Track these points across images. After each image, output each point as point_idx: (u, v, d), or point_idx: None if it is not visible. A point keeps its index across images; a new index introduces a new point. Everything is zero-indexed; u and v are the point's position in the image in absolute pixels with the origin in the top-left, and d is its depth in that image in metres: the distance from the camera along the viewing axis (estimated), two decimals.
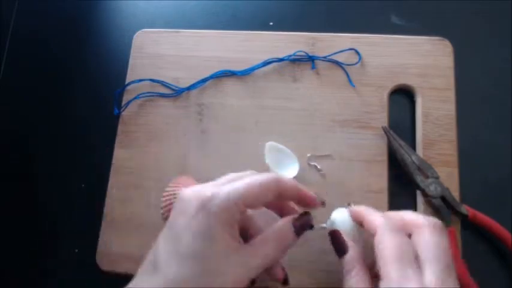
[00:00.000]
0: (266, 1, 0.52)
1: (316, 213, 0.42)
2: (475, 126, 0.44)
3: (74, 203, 0.48)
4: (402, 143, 0.42)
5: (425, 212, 0.41)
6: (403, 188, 0.42)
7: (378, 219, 0.29)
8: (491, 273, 0.40)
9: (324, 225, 0.41)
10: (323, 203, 0.34)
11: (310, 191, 0.32)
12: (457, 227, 0.40)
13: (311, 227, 0.32)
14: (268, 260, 0.29)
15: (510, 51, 0.47)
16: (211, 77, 0.47)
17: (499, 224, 0.39)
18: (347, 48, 0.46)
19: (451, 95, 0.44)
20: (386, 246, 0.27)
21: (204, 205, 0.27)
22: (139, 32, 0.51)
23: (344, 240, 0.31)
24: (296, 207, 0.34)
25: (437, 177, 0.40)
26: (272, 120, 0.45)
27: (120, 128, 0.47)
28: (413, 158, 0.41)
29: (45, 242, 0.47)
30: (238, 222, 0.28)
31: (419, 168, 0.41)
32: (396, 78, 0.45)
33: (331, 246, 0.32)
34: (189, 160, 0.45)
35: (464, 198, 0.41)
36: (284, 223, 0.31)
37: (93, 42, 0.54)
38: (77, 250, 0.45)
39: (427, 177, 0.41)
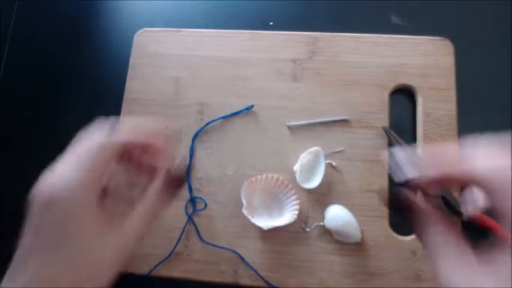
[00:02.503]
0: (266, 1, 0.52)
1: (314, 213, 0.42)
2: (475, 126, 0.44)
3: None
4: (403, 142, 0.42)
5: None
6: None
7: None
8: None
9: (321, 223, 0.41)
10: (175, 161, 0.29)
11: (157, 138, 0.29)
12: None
13: (178, 182, 0.29)
14: (138, 231, 0.28)
15: (510, 51, 0.47)
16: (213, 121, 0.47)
17: (499, 224, 0.39)
18: (347, 48, 0.46)
19: (451, 94, 0.44)
20: None
21: (50, 196, 0.27)
22: (140, 31, 0.51)
23: (405, 196, 0.26)
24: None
25: None
26: (273, 120, 0.45)
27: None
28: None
29: None
30: (96, 191, 0.27)
31: None
32: (397, 78, 0.45)
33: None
34: (192, 160, 0.45)
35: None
36: (150, 189, 0.29)
37: (94, 42, 0.54)
38: None
39: None
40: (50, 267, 0.26)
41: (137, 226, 0.28)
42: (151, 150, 0.30)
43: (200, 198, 0.43)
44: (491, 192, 0.22)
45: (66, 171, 0.27)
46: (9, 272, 0.27)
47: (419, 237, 0.25)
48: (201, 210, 0.43)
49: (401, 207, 0.26)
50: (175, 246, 0.42)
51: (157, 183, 0.29)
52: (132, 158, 0.30)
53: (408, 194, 0.26)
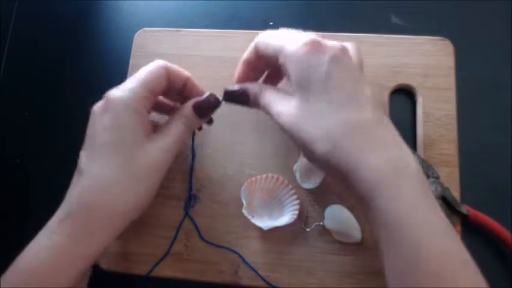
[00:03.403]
0: (266, 1, 0.53)
1: (314, 213, 0.42)
2: (475, 126, 0.44)
3: None
4: None
5: None
6: None
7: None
8: (491, 273, 0.40)
9: (321, 223, 0.41)
10: (214, 98, 0.36)
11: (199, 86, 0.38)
12: (457, 227, 0.40)
13: (215, 103, 0.36)
14: (179, 137, 0.34)
15: (510, 51, 0.47)
16: None
17: (499, 224, 0.40)
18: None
19: (451, 95, 0.44)
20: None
21: (109, 101, 0.32)
22: (140, 31, 0.51)
23: (238, 88, 0.35)
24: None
25: (437, 177, 0.40)
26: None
27: None
28: (414, 157, 0.41)
29: None
30: (146, 109, 0.33)
31: None
32: (397, 78, 0.45)
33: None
34: (194, 160, 0.45)
35: (464, 198, 0.41)
36: (184, 105, 0.35)
37: (94, 42, 0.54)
38: None
39: (427, 177, 0.41)
40: (107, 169, 0.30)
41: (175, 135, 0.33)
42: (188, 86, 0.37)
43: (196, 196, 0.43)
44: (284, 57, 0.30)
45: (125, 83, 0.34)
46: (72, 181, 0.32)
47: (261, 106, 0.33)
48: (194, 207, 0.43)
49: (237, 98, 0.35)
50: (171, 245, 0.42)
51: (189, 104, 0.35)
52: (173, 88, 0.37)
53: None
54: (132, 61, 0.50)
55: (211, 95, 0.36)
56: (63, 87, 0.53)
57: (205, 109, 0.35)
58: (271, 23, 0.51)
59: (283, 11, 0.52)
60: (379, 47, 0.46)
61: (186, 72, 0.37)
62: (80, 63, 0.53)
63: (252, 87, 0.34)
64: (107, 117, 0.31)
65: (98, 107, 0.32)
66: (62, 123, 0.51)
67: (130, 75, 0.49)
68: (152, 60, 0.49)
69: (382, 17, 0.50)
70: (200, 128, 0.42)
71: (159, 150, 0.32)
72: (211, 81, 0.47)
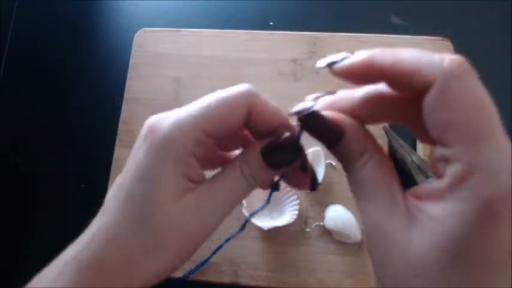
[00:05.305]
0: (266, 1, 0.52)
1: (314, 213, 0.42)
2: None
3: (74, 203, 0.48)
4: (402, 142, 0.42)
5: None
6: (403, 187, 0.42)
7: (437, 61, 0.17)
8: None
9: (321, 223, 0.41)
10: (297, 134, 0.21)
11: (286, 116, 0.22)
12: None
13: (295, 145, 0.21)
14: (231, 196, 0.21)
15: (510, 51, 0.47)
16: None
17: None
18: (347, 48, 0.46)
19: None
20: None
21: (149, 133, 0.21)
22: (140, 31, 0.51)
23: (331, 122, 0.20)
24: None
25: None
26: None
27: (120, 127, 0.47)
28: (414, 157, 0.41)
29: (45, 241, 0.47)
30: (196, 156, 0.21)
31: (419, 168, 0.41)
32: None
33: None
34: None
35: None
36: (248, 147, 0.22)
37: (94, 42, 0.54)
38: None
39: (427, 177, 0.41)
40: (122, 224, 0.21)
41: (227, 193, 0.21)
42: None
43: None
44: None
45: (182, 111, 0.21)
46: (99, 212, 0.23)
47: (345, 168, 0.20)
48: None
49: (319, 130, 0.20)
50: None
51: (255, 146, 0.21)
52: (255, 130, 0.22)
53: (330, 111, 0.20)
54: (132, 61, 0.50)
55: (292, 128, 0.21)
56: (63, 87, 0.53)
57: (280, 152, 0.21)
58: (271, 23, 0.51)
59: (283, 11, 0.52)
60: (379, 47, 0.46)
61: (282, 115, 0.21)
62: (80, 63, 0.53)
63: (357, 126, 0.20)
64: (139, 156, 0.21)
65: (141, 135, 0.22)
66: (62, 123, 0.51)
67: (130, 75, 0.50)
68: (152, 61, 0.49)
69: (382, 17, 0.50)
70: (276, 188, 0.24)
71: (193, 214, 0.21)
72: (211, 81, 0.48)
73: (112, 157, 0.46)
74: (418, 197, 0.18)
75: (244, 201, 0.41)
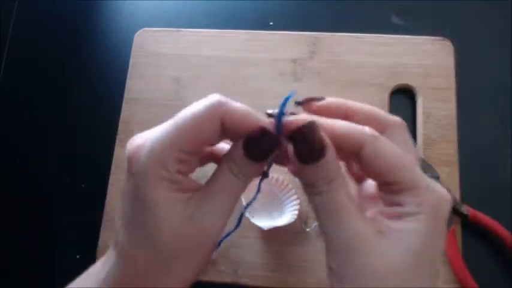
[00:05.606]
0: (266, 1, 0.52)
1: (312, 213, 0.42)
2: (475, 126, 0.44)
3: (74, 203, 0.48)
4: None
5: None
6: None
7: (361, 130, 0.21)
8: (491, 273, 0.40)
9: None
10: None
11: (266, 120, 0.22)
12: (457, 227, 0.40)
13: (272, 136, 0.22)
14: (225, 194, 0.22)
15: (510, 51, 0.47)
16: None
17: (499, 224, 0.40)
18: (348, 48, 0.46)
19: (451, 95, 0.44)
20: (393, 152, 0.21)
21: (131, 166, 0.22)
22: (140, 31, 0.51)
23: (321, 136, 0.21)
24: None
25: (437, 177, 0.40)
26: None
27: (120, 127, 0.47)
28: None
29: (45, 241, 0.47)
30: (181, 172, 0.22)
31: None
32: (397, 78, 0.45)
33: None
34: None
35: (464, 198, 0.41)
36: (232, 145, 0.23)
37: (94, 42, 0.54)
38: (77, 250, 0.45)
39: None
40: (134, 245, 0.22)
41: (221, 192, 0.22)
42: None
43: None
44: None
45: (155, 132, 0.22)
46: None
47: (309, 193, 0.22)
48: None
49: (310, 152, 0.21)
50: None
51: (239, 142, 0.22)
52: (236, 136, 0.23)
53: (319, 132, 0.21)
54: (132, 61, 0.50)
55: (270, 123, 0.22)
56: (63, 87, 0.53)
57: (258, 145, 0.22)
58: (271, 23, 0.51)
59: (283, 11, 0.52)
60: (379, 47, 0.46)
61: (261, 119, 0.22)
62: (80, 63, 0.53)
63: (334, 153, 0.21)
64: (130, 187, 0.22)
65: (127, 161, 0.22)
66: (62, 123, 0.51)
67: (130, 75, 0.50)
68: (152, 61, 0.50)
69: (382, 17, 0.50)
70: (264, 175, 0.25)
71: (195, 220, 0.22)
72: (211, 81, 0.48)
73: (112, 157, 0.46)
74: (379, 218, 0.22)
75: (244, 201, 0.41)
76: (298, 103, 0.23)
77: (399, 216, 0.21)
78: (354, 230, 0.21)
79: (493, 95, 0.45)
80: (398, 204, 0.21)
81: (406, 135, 0.23)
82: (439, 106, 0.43)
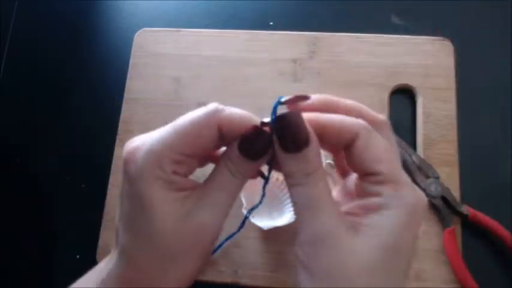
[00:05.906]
0: (266, 1, 0.52)
1: None
2: (475, 126, 0.44)
3: (74, 203, 0.48)
4: (403, 143, 0.42)
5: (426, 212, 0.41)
6: None
7: (357, 121, 0.22)
8: (491, 273, 0.40)
9: None
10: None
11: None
12: (457, 227, 0.40)
13: (265, 134, 0.22)
14: (223, 193, 0.23)
15: (510, 51, 0.47)
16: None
17: (499, 224, 0.40)
18: (348, 48, 0.46)
19: (451, 94, 0.44)
20: (380, 146, 0.22)
21: (127, 167, 0.22)
22: (140, 31, 0.51)
23: (306, 126, 0.21)
24: None
25: (437, 177, 0.40)
26: None
27: (120, 127, 0.47)
28: (414, 157, 0.41)
29: (45, 241, 0.47)
30: (178, 173, 0.22)
31: (419, 168, 0.41)
32: (397, 78, 0.45)
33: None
34: None
35: (464, 198, 0.41)
36: (229, 146, 0.23)
37: (94, 42, 0.54)
38: (77, 250, 0.45)
39: (427, 177, 0.41)
40: (135, 244, 0.23)
41: (219, 191, 0.23)
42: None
43: None
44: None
45: (154, 135, 0.22)
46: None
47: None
48: None
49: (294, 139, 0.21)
50: None
51: (235, 143, 0.23)
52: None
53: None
54: (132, 61, 0.50)
55: (262, 123, 0.23)
56: (63, 87, 0.53)
57: (253, 144, 0.23)
58: (271, 23, 0.51)
59: (283, 11, 0.52)
60: (379, 47, 0.46)
61: (254, 119, 0.23)
62: (80, 63, 0.53)
63: (317, 146, 0.22)
64: (126, 188, 0.23)
65: (123, 163, 0.23)
66: (62, 123, 0.51)
67: (130, 75, 0.50)
68: (152, 61, 0.49)
69: (382, 17, 0.50)
70: (263, 176, 0.26)
71: (194, 218, 0.22)
72: (211, 81, 0.47)
73: (112, 157, 0.46)
74: (355, 213, 0.22)
75: (244, 201, 0.41)
76: (282, 103, 0.23)
77: (375, 209, 0.21)
78: (327, 225, 0.21)
79: (493, 95, 0.45)
80: (377, 195, 0.21)
81: (390, 133, 0.24)
82: (439, 106, 0.43)
